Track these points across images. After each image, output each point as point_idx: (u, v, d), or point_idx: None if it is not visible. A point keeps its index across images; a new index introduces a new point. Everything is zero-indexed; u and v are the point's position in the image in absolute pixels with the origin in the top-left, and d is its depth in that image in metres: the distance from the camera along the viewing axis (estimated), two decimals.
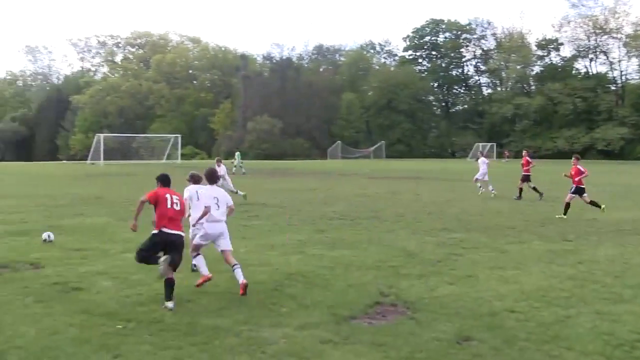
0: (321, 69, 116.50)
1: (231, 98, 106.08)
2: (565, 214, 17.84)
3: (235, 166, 43.47)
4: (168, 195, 8.90)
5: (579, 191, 18.43)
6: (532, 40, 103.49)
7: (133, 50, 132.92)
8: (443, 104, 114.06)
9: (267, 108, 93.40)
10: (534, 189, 23.96)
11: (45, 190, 27.17)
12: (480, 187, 25.61)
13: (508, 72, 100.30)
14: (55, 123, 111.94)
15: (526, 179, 24.31)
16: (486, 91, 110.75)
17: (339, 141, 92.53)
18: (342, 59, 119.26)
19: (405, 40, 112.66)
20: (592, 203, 18.51)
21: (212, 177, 9.67)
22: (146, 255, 8.38)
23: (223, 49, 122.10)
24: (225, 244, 9.15)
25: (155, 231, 8.56)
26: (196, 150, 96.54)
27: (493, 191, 24.59)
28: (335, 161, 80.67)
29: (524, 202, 22.41)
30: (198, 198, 9.85)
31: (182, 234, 8.66)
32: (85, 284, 9.22)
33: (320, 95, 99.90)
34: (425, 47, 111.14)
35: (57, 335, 6.86)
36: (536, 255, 11.91)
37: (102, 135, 67.40)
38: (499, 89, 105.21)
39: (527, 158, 24.77)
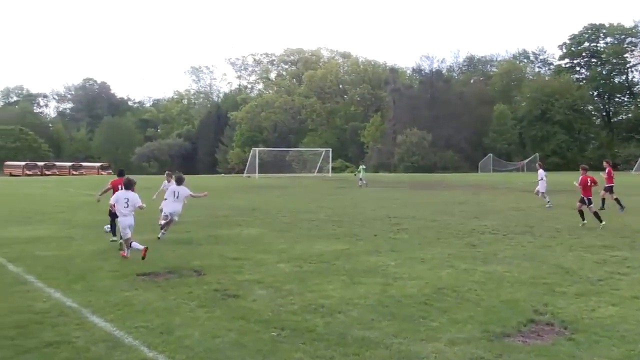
0: (472, 81, 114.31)
1: (381, 111, 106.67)
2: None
3: (360, 179, 43.62)
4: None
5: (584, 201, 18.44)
6: None
7: (286, 67, 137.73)
8: (603, 113, 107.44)
9: (417, 121, 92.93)
10: (616, 200, 23.59)
11: (207, 202, 28.69)
12: None
13: None
14: (215, 138, 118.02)
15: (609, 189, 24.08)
16: None
17: (490, 154, 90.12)
18: (494, 69, 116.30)
19: (561, 48, 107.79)
20: (595, 214, 18.34)
21: (128, 185, 13.51)
22: None
23: (372, 63, 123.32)
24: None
25: None
26: (346, 163, 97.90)
27: None
28: (487, 174, 78.63)
29: None
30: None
31: None
32: (243, 292, 9.64)
33: (470, 106, 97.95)
34: (584, 54, 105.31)
35: (218, 338, 7.24)
36: None
37: (257, 149, 70.16)
38: None
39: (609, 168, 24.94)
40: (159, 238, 15.65)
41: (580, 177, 18.88)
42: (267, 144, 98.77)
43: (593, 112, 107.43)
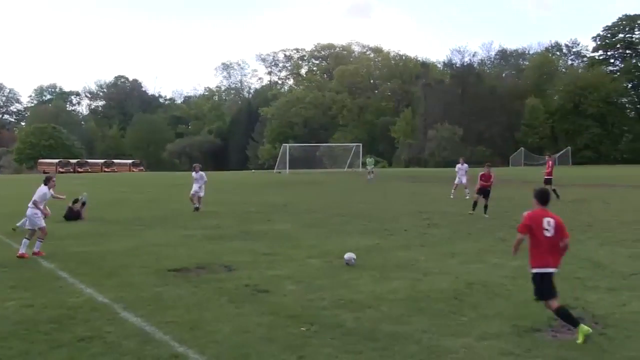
0: (504, 74, 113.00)
1: (411, 106, 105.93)
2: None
3: (370, 171, 43.52)
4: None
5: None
6: None
7: (317, 62, 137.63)
8: (638, 106, 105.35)
9: (448, 115, 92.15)
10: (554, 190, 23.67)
11: (237, 198, 28.90)
12: None
13: None
14: (246, 134, 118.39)
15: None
16: None
17: (522, 148, 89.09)
18: (526, 62, 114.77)
19: (595, 40, 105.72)
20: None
21: (47, 181, 13.47)
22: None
23: (404, 57, 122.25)
24: None
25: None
26: (377, 158, 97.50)
27: None
28: (518, 168, 77.75)
29: None
30: None
31: None
32: (273, 287, 9.69)
33: (502, 101, 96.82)
34: (619, 45, 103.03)
35: (248, 333, 7.30)
36: None
37: (287, 145, 70.27)
38: None
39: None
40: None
41: (483, 172, 21.10)
42: (298, 139, 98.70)
43: (627, 105, 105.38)
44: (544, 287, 7.16)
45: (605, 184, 37.75)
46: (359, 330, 7.37)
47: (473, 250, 13.13)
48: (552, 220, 7.37)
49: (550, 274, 7.19)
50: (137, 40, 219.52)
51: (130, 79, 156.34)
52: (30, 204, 12.97)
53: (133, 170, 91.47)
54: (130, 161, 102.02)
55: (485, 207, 19.98)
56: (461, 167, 27.52)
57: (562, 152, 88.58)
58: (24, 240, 12.97)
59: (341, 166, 72.96)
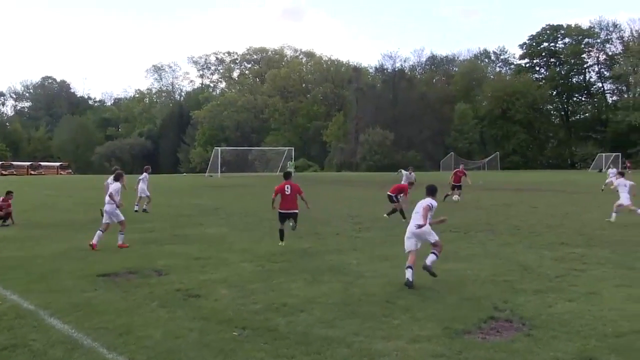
0: (434, 80, 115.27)
1: (343, 110, 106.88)
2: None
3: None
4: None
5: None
6: None
7: (249, 66, 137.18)
8: (562, 112, 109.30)
9: (379, 120, 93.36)
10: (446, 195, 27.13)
11: (169, 201, 28.46)
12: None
13: (637, 77, 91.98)
14: (177, 137, 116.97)
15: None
16: (611, 98, 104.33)
17: (452, 152, 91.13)
18: (456, 68, 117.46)
19: (521, 48, 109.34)
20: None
21: (118, 177, 15.11)
22: None
23: (336, 61, 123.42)
24: None
25: None
26: (309, 162, 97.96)
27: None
28: (448, 173, 79.32)
29: None
30: None
31: None
32: (205, 292, 9.60)
33: (432, 106, 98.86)
34: (543, 54, 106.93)
35: (180, 339, 7.20)
36: None
37: (219, 148, 69.79)
38: (625, 95, 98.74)
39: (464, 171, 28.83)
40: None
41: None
42: (230, 143, 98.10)
43: (552, 112, 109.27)
44: None
45: (532, 188, 38.98)
46: (291, 335, 7.36)
47: (405, 253, 13.26)
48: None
49: None
50: (65, 40, 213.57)
51: (58, 79, 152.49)
52: (107, 200, 14.26)
53: (61, 173, 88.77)
54: (58, 164, 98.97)
55: (401, 211, 20.15)
56: (409, 176, 27.72)
57: (490, 157, 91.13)
58: (98, 231, 14.10)
59: (273, 170, 72.88)
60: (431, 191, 10.59)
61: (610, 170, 24.47)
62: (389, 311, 8.42)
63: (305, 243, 14.88)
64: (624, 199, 19.83)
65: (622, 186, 20.21)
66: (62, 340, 7.18)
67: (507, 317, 8.14)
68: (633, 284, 10.19)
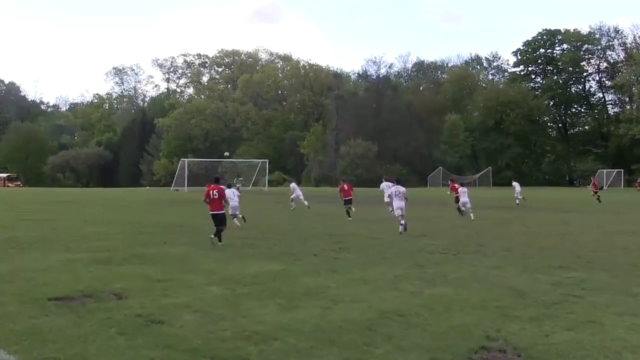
0: (421, 88, 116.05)
1: (323, 120, 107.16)
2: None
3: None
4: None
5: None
6: None
7: (220, 70, 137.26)
8: (560, 125, 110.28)
9: (362, 131, 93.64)
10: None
11: (129, 218, 28.27)
12: None
13: None
14: (139, 147, 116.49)
15: None
16: (612, 110, 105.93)
17: (441, 167, 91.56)
18: (445, 76, 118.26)
19: (515, 55, 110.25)
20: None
21: (229, 186, 22.09)
22: None
23: (315, 67, 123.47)
24: None
25: None
26: (284, 176, 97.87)
27: None
28: (436, 189, 79.75)
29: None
30: None
31: None
32: (168, 317, 9.51)
33: (420, 116, 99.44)
34: (539, 61, 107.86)
35: None
36: None
37: (186, 160, 69.54)
38: (628, 107, 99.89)
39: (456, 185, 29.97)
40: None
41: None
42: (197, 154, 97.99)
43: (549, 124, 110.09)
44: None
45: (526, 206, 39.30)
46: None
47: (387, 276, 13.31)
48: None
49: None
50: (14, 39, 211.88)
51: (6, 82, 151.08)
52: (232, 200, 23.79)
53: (9, 186, 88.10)
54: (5, 175, 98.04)
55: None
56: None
57: (482, 172, 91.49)
58: (234, 220, 23.19)
59: (245, 185, 72.70)
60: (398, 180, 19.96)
61: None
62: (370, 339, 8.41)
63: (278, 265, 14.84)
64: None
65: None
66: None
67: (500, 346, 8.15)
68: (636, 312, 10.22)
